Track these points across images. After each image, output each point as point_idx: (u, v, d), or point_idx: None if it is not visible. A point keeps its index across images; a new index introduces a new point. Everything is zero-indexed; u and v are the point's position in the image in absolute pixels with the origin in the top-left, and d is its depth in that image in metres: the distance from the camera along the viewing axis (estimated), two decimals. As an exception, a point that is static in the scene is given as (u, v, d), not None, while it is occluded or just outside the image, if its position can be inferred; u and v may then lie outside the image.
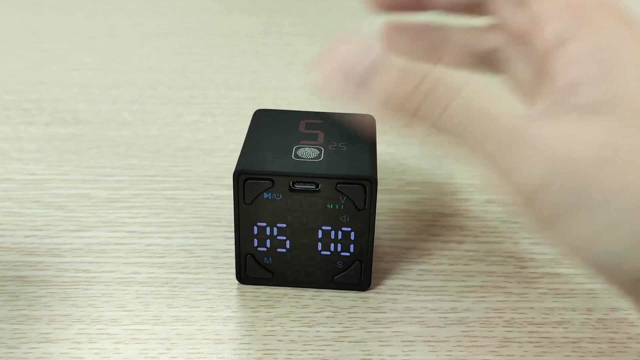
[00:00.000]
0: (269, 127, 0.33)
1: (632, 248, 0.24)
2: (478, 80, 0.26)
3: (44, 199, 0.38)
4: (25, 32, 0.60)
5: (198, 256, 0.34)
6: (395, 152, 0.43)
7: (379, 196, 0.38)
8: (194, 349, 0.29)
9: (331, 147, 0.31)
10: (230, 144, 0.44)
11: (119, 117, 0.46)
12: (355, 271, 0.31)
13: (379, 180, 0.30)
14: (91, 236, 0.35)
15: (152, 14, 0.64)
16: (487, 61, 0.33)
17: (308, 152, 0.31)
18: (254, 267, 0.32)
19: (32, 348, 0.29)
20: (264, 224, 0.31)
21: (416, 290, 0.32)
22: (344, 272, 0.32)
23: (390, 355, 0.29)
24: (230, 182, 0.40)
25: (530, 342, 0.30)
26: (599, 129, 0.24)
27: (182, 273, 0.33)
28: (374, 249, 0.31)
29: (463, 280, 0.33)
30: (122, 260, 0.34)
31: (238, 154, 0.43)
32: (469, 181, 0.40)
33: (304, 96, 0.50)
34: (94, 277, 0.33)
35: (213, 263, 0.34)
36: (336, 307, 0.31)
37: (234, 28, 0.62)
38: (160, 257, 0.34)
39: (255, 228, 0.31)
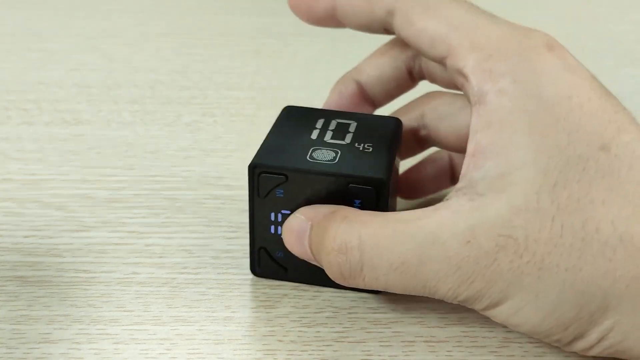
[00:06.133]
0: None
1: (546, 321, 0.25)
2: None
3: (44, 199, 0.38)
4: (25, 32, 0.60)
5: (198, 256, 0.34)
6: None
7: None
8: (194, 349, 0.29)
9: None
10: (230, 144, 0.44)
11: (119, 117, 0.46)
12: None
13: None
14: (91, 236, 0.35)
15: (152, 14, 0.64)
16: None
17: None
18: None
19: (32, 348, 0.29)
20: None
21: (416, 291, 0.32)
22: None
23: (391, 356, 0.29)
24: (231, 182, 0.40)
25: (530, 342, 0.29)
26: (493, 210, 0.24)
27: (182, 273, 0.33)
28: None
29: (463, 281, 0.33)
30: (122, 261, 0.34)
31: (238, 154, 0.43)
32: (469, 181, 0.40)
33: (305, 96, 0.50)
34: (93, 278, 0.32)
35: (213, 263, 0.34)
36: (336, 307, 0.31)
37: (234, 28, 0.62)
38: (160, 257, 0.34)
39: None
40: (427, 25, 0.27)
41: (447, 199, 0.26)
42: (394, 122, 0.34)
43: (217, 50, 0.57)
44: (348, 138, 0.32)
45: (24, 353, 0.28)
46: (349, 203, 0.30)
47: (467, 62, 0.26)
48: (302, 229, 0.29)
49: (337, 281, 0.28)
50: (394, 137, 0.32)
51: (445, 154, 0.36)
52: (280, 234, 0.31)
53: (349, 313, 0.31)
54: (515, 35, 0.26)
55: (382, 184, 0.29)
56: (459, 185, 0.26)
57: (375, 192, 0.29)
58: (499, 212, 0.24)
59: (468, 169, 0.26)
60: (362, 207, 0.30)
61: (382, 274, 0.26)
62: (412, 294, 0.27)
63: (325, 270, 0.28)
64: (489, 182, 0.25)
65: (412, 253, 0.25)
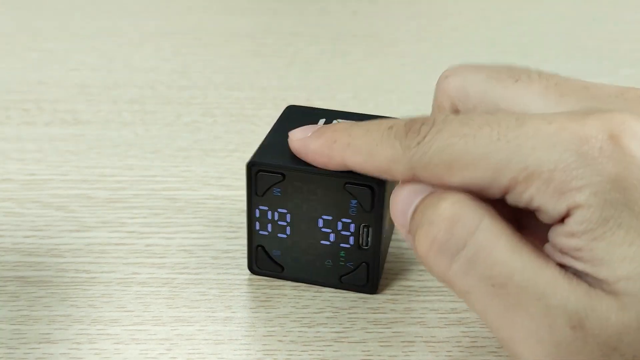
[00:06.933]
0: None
1: None
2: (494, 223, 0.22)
3: (44, 199, 0.38)
4: (25, 32, 0.60)
5: (198, 256, 0.34)
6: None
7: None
8: (194, 349, 0.29)
9: None
10: (230, 144, 0.44)
11: (119, 117, 0.47)
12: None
13: None
14: (91, 236, 0.35)
15: (152, 14, 0.64)
16: None
17: None
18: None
19: (32, 348, 0.29)
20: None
21: (416, 291, 0.32)
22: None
23: (390, 356, 0.29)
24: (231, 182, 0.40)
25: (530, 343, 0.30)
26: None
27: (182, 273, 0.33)
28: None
29: (463, 281, 0.33)
30: (122, 261, 0.34)
31: (238, 154, 0.43)
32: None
33: (305, 96, 0.50)
34: (93, 278, 0.33)
35: (213, 263, 0.34)
36: (336, 307, 0.31)
37: (234, 28, 0.62)
38: (160, 257, 0.34)
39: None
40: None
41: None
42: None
43: (217, 50, 0.57)
44: None
45: (25, 353, 0.28)
46: (346, 203, 0.30)
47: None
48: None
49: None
50: None
51: None
52: (277, 233, 0.31)
53: (349, 313, 0.31)
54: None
55: (378, 184, 0.29)
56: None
57: (371, 193, 0.29)
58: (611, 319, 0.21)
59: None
60: (359, 207, 0.30)
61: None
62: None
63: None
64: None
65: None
